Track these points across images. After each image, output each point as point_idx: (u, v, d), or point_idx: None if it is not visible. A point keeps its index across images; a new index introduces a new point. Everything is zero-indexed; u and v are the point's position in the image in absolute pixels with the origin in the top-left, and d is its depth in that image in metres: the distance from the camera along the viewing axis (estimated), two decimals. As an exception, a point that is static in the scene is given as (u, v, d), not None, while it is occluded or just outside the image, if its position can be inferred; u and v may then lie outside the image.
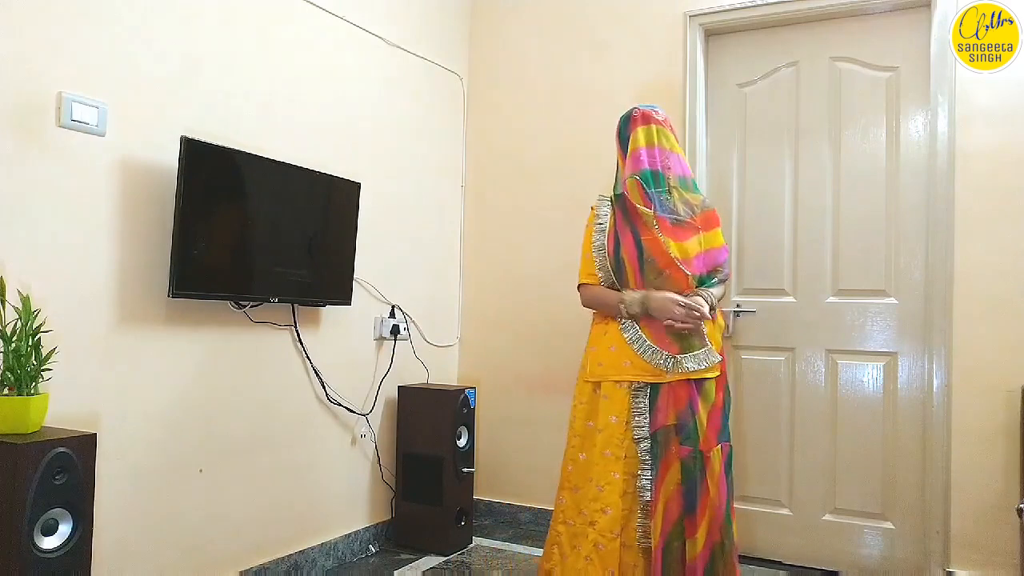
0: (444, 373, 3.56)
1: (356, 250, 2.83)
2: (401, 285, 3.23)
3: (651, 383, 2.19)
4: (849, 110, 2.98)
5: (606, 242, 2.30)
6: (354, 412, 2.98)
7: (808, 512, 2.98)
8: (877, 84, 2.94)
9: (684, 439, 2.16)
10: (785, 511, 3.03)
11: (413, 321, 3.30)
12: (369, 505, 3.09)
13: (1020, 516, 2.48)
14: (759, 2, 3.04)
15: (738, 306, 3.12)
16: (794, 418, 3.03)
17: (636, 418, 2.19)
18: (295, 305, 2.67)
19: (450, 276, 3.63)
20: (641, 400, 2.19)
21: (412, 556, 3.00)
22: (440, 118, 3.53)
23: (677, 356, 2.18)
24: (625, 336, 2.22)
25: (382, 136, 3.14)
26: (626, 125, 2.40)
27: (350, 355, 2.98)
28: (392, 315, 3.17)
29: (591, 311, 2.41)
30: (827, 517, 2.95)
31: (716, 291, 2.30)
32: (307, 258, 2.65)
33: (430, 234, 3.47)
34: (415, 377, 3.30)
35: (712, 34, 3.23)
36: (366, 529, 3.05)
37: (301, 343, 2.73)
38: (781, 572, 2.93)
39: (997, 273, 2.65)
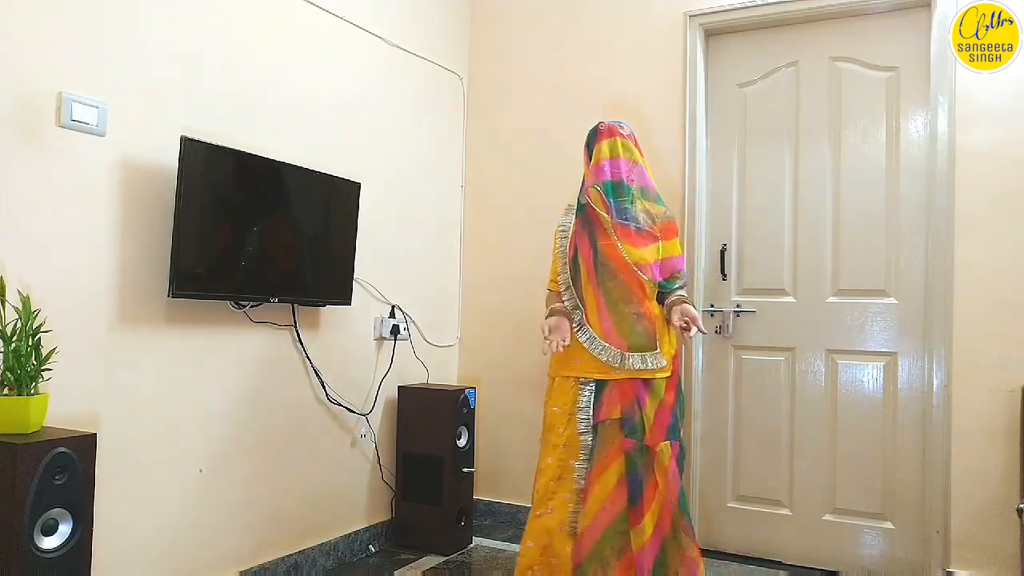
0: (444, 373, 3.56)
1: (356, 250, 2.83)
2: (401, 285, 3.23)
3: (598, 379, 2.32)
4: (849, 110, 2.98)
5: (567, 247, 2.44)
6: (354, 412, 2.98)
7: (808, 512, 2.98)
8: (877, 84, 2.94)
9: (629, 432, 2.28)
10: (785, 511, 3.03)
11: (413, 321, 3.30)
12: (369, 505, 3.09)
13: (1020, 516, 2.48)
14: (759, 2, 3.04)
15: (738, 306, 3.12)
16: (794, 418, 3.03)
17: (580, 411, 2.32)
18: (295, 305, 2.67)
19: (450, 276, 3.63)
20: (586, 394, 2.33)
21: (412, 556, 3.00)
22: (440, 118, 3.53)
23: (625, 353, 2.30)
24: (581, 338, 2.35)
25: (382, 136, 3.14)
26: (593, 138, 2.52)
27: (350, 355, 2.98)
28: (392, 315, 3.17)
29: None
30: (827, 517, 2.95)
31: (685, 295, 2.44)
32: (307, 258, 2.65)
33: (430, 234, 3.47)
34: (415, 377, 3.30)
35: (712, 34, 3.23)
36: (366, 529, 3.05)
37: (301, 343, 2.73)
38: (781, 572, 2.93)
39: (997, 273, 2.65)
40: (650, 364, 2.30)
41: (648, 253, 2.37)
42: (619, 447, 2.27)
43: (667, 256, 2.42)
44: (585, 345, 2.33)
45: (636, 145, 2.50)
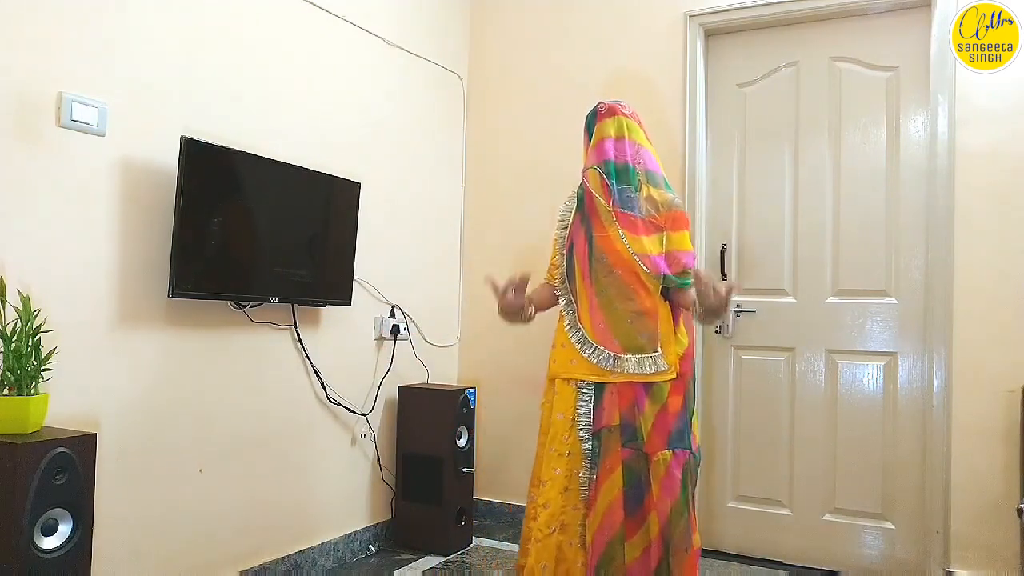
0: (444, 373, 3.56)
1: (356, 250, 2.83)
2: (401, 285, 3.23)
3: (596, 382, 2.17)
4: (849, 110, 2.98)
5: (565, 239, 2.29)
6: (354, 412, 2.98)
7: (808, 512, 2.98)
8: (877, 84, 2.94)
9: (627, 440, 2.13)
10: (785, 511, 3.03)
11: (413, 321, 3.30)
12: (369, 505, 3.09)
13: (1020, 516, 2.48)
14: (759, 2, 3.04)
15: (738, 306, 3.12)
16: (794, 418, 3.03)
17: (580, 417, 2.17)
18: (295, 305, 2.67)
19: (450, 276, 3.63)
20: (585, 398, 2.18)
21: (412, 556, 3.00)
22: (440, 118, 3.53)
23: (620, 356, 2.14)
24: (571, 337, 2.21)
25: (382, 136, 3.14)
26: (593, 119, 2.32)
27: (350, 355, 2.98)
28: (392, 315, 3.17)
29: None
30: (827, 517, 2.95)
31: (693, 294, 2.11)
32: (307, 258, 2.65)
33: (430, 234, 3.47)
34: (415, 377, 3.30)
35: (712, 34, 3.23)
36: (366, 529, 3.05)
37: (301, 343, 2.73)
38: (781, 572, 2.93)
39: (997, 273, 2.65)
40: (647, 368, 2.12)
41: (651, 244, 2.15)
42: (618, 455, 2.12)
43: (673, 248, 2.18)
44: (576, 346, 2.19)
45: (641, 126, 2.31)
